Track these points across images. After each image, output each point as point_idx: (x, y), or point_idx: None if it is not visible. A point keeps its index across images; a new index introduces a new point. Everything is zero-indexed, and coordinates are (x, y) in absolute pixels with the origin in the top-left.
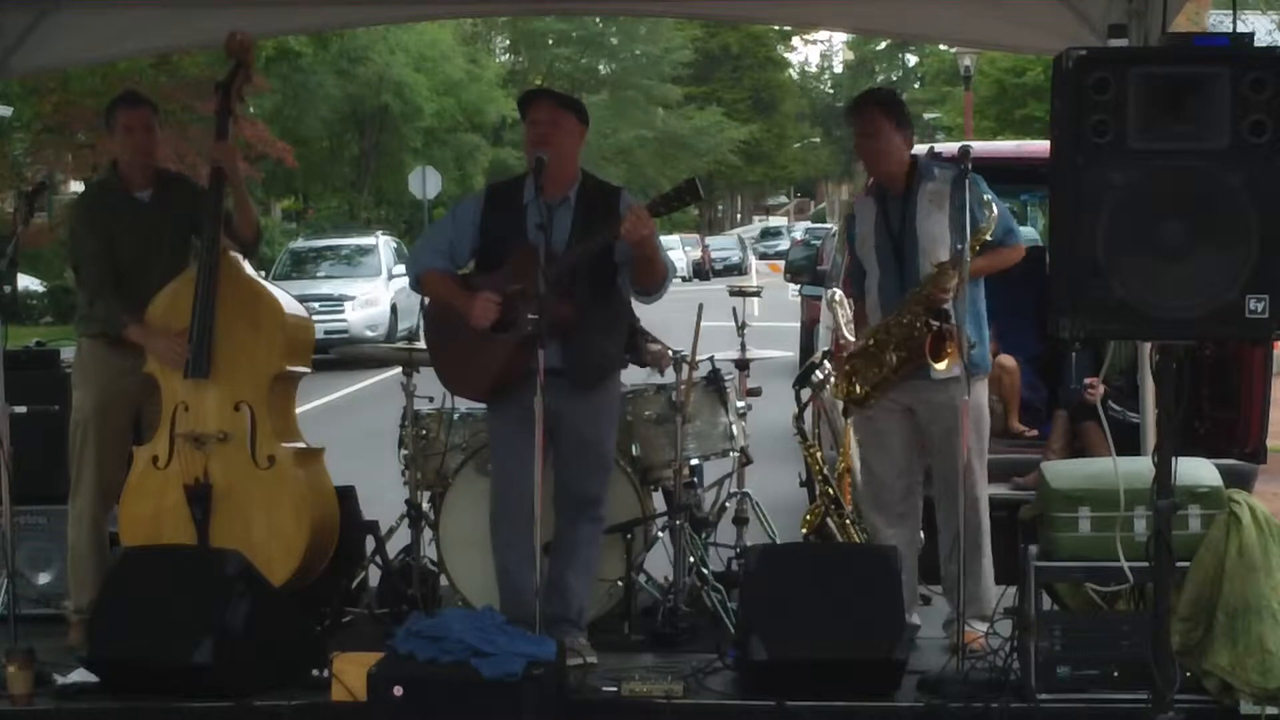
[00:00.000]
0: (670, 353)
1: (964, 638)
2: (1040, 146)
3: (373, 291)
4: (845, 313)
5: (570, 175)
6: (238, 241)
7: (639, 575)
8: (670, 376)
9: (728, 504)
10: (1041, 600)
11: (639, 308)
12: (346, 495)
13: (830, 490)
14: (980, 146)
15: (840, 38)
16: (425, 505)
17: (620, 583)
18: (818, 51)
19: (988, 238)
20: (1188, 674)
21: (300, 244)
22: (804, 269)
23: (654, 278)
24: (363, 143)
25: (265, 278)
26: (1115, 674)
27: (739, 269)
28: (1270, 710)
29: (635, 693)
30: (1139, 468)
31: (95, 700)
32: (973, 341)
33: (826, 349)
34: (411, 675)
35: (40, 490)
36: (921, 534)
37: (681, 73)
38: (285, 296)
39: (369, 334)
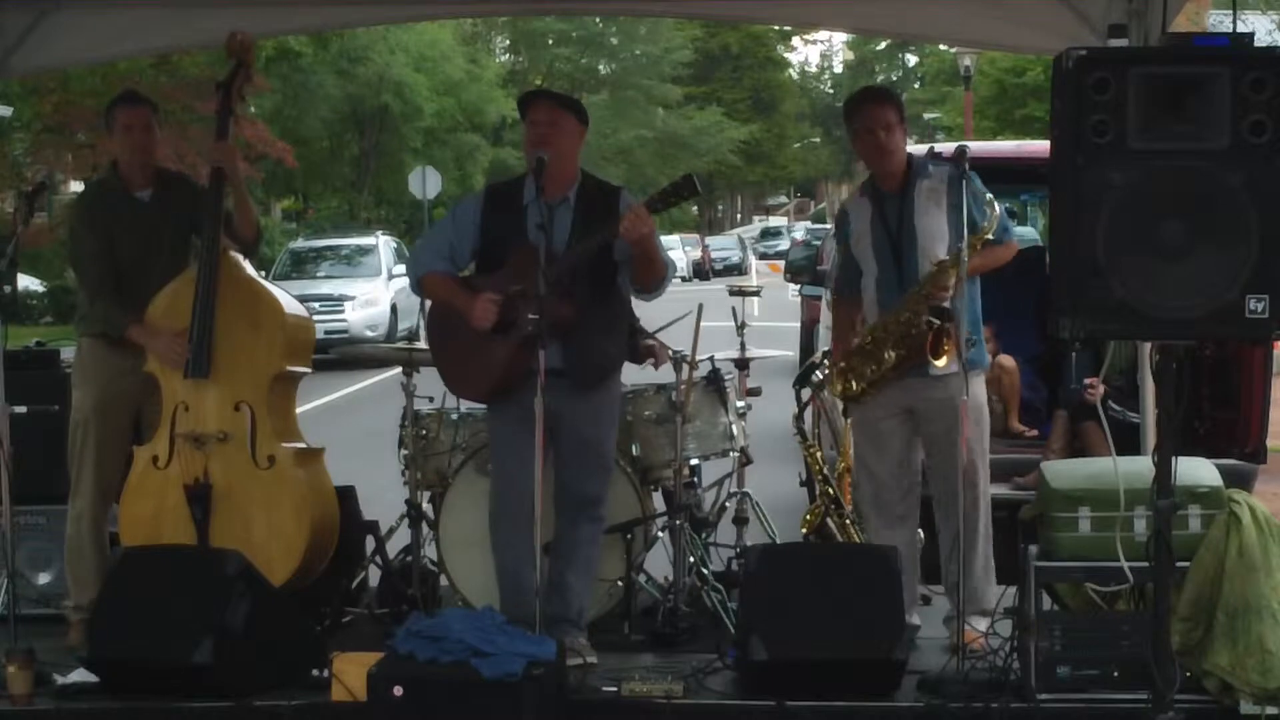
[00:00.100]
0: (671, 352)
1: (964, 638)
2: (1040, 146)
3: (373, 291)
4: None
5: (570, 175)
6: (238, 242)
7: (639, 575)
8: (670, 376)
9: (728, 504)
10: (1041, 600)
11: (638, 306)
12: (346, 495)
13: (830, 490)
14: (980, 146)
15: (840, 38)
16: (425, 505)
17: (620, 583)
18: (818, 51)
19: (989, 236)
20: (1188, 674)
21: (300, 244)
22: (804, 269)
23: (654, 276)
24: (363, 143)
25: (265, 278)
26: (1115, 674)
27: (739, 269)
28: (1270, 710)
29: (635, 693)
30: (1139, 468)
31: (95, 700)
32: (973, 339)
33: (826, 349)
34: (411, 675)
35: (40, 490)
36: (921, 533)
37: (681, 73)
38: (285, 296)
39: (369, 334)
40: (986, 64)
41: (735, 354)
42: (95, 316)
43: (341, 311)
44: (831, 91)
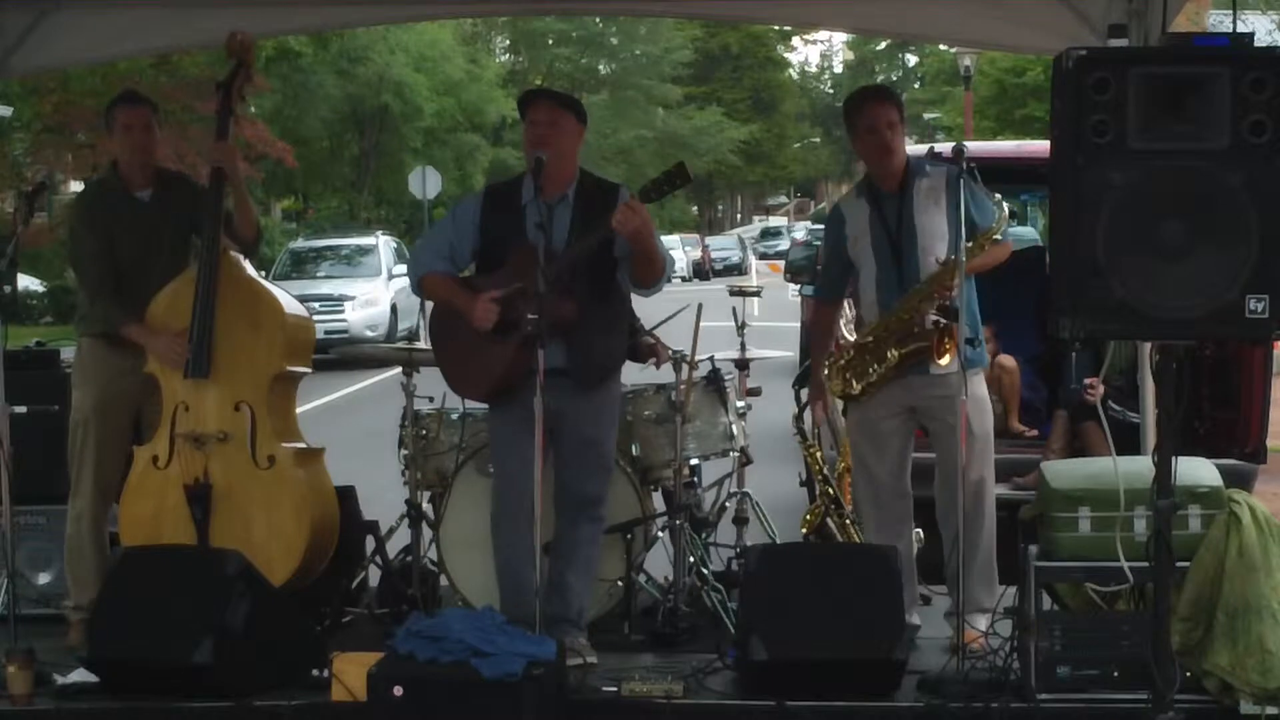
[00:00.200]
0: (671, 352)
1: (964, 638)
2: (1040, 146)
3: (373, 291)
4: (845, 312)
5: (569, 174)
6: (238, 242)
7: (639, 575)
8: (670, 376)
9: (728, 504)
10: (1041, 600)
11: (637, 305)
12: (346, 495)
13: (830, 490)
14: (980, 146)
15: (840, 38)
16: (425, 505)
17: (620, 583)
18: (818, 51)
19: (997, 236)
20: (1188, 674)
21: (300, 244)
22: (804, 269)
23: (652, 271)
24: (363, 143)
25: (265, 278)
26: (1115, 674)
27: (739, 269)
28: (1270, 710)
29: (635, 693)
30: (1139, 468)
31: (95, 700)
32: (975, 339)
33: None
34: (411, 675)
35: (40, 490)
36: (921, 533)
37: (681, 73)
38: (285, 296)
39: (369, 334)
40: (986, 64)
41: (735, 354)
42: (95, 316)
43: (341, 311)
44: (831, 91)
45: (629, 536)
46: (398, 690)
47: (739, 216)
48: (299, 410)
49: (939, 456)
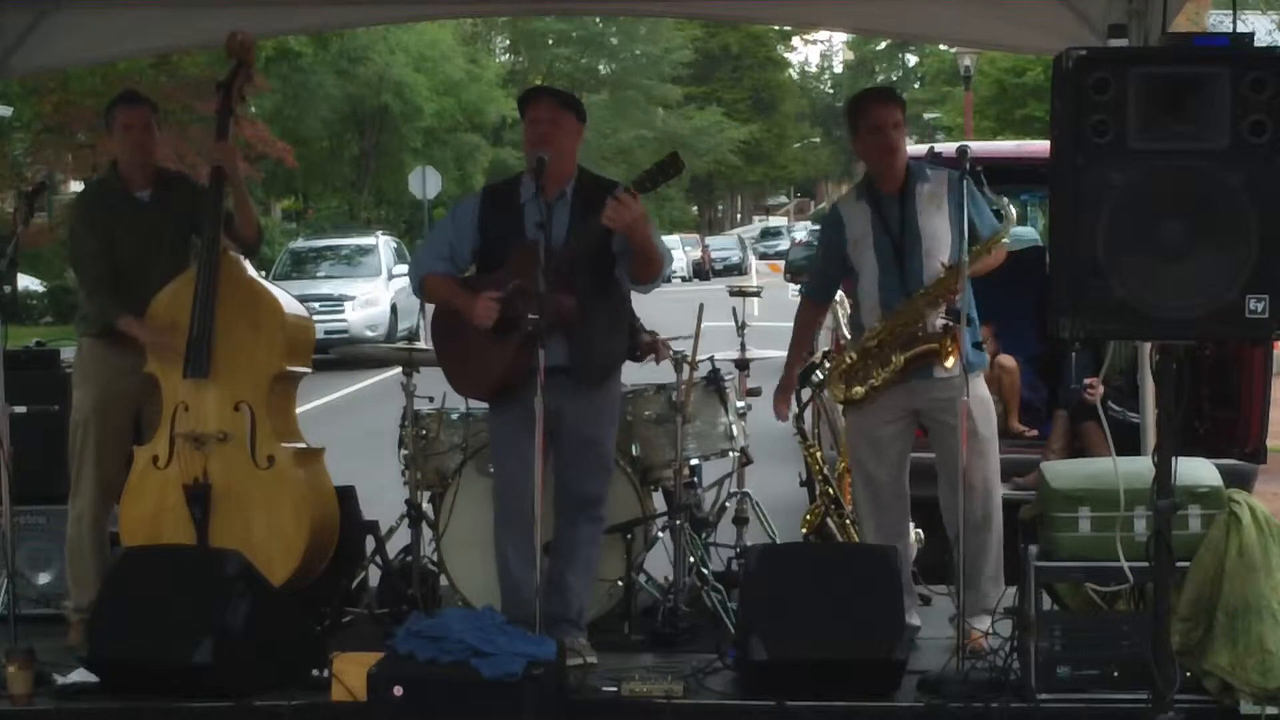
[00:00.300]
0: (671, 352)
1: (968, 638)
2: (1040, 146)
3: (373, 291)
4: (846, 312)
5: (568, 172)
6: (238, 242)
7: (639, 575)
8: (670, 376)
9: (728, 504)
10: (1041, 600)
11: (637, 305)
12: (346, 495)
13: (830, 490)
14: (980, 146)
15: (840, 38)
16: (425, 505)
17: (620, 583)
18: (818, 51)
19: (1004, 240)
20: (1188, 674)
21: (300, 244)
22: (804, 269)
23: (651, 267)
24: (363, 143)
25: (265, 278)
26: (1115, 674)
27: (739, 269)
28: (1270, 710)
29: (635, 693)
30: (1139, 468)
31: (95, 700)
32: (979, 342)
33: (827, 349)
34: (411, 675)
35: (40, 490)
36: (921, 533)
37: (681, 73)
38: (285, 296)
39: (369, 334)
40: (986, 64)
41: (735, 354)
42: (95, 316)
43: (341, 311)
44: (831, 91)
45: (629, 536)
46: (398, 690)
47: (739, 216)
48: (299, 410)
49: (943, 458)
